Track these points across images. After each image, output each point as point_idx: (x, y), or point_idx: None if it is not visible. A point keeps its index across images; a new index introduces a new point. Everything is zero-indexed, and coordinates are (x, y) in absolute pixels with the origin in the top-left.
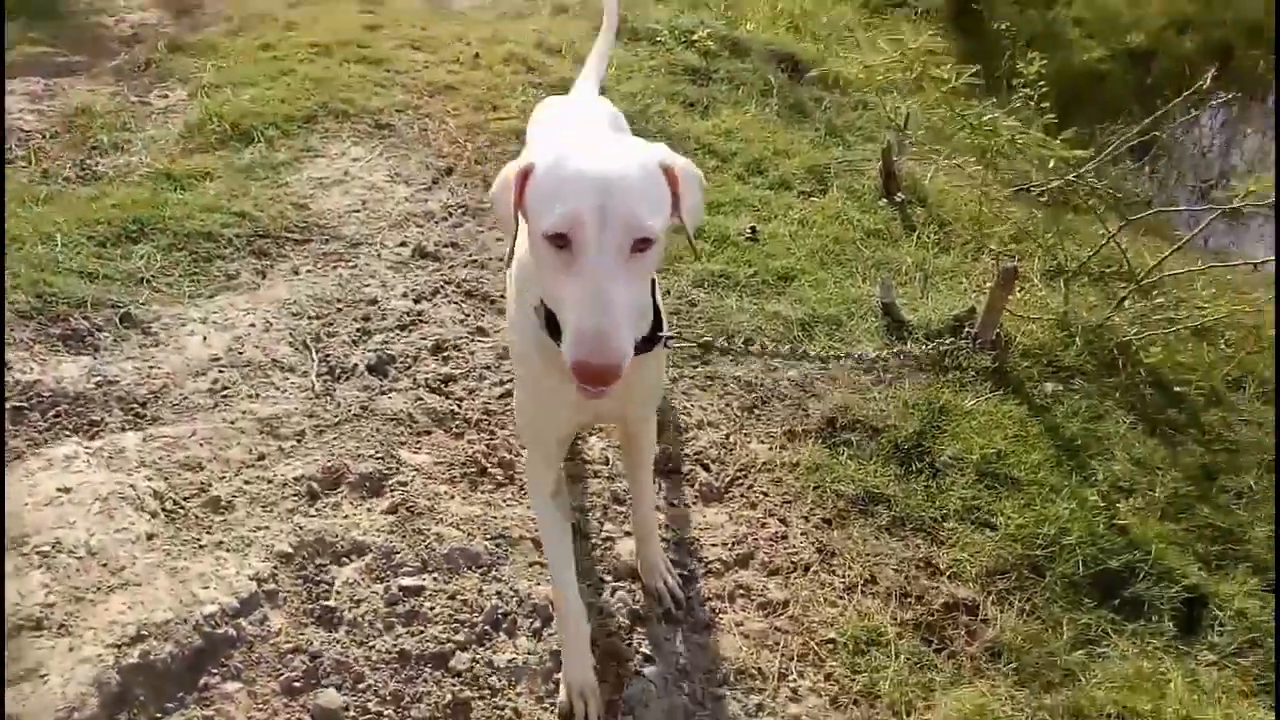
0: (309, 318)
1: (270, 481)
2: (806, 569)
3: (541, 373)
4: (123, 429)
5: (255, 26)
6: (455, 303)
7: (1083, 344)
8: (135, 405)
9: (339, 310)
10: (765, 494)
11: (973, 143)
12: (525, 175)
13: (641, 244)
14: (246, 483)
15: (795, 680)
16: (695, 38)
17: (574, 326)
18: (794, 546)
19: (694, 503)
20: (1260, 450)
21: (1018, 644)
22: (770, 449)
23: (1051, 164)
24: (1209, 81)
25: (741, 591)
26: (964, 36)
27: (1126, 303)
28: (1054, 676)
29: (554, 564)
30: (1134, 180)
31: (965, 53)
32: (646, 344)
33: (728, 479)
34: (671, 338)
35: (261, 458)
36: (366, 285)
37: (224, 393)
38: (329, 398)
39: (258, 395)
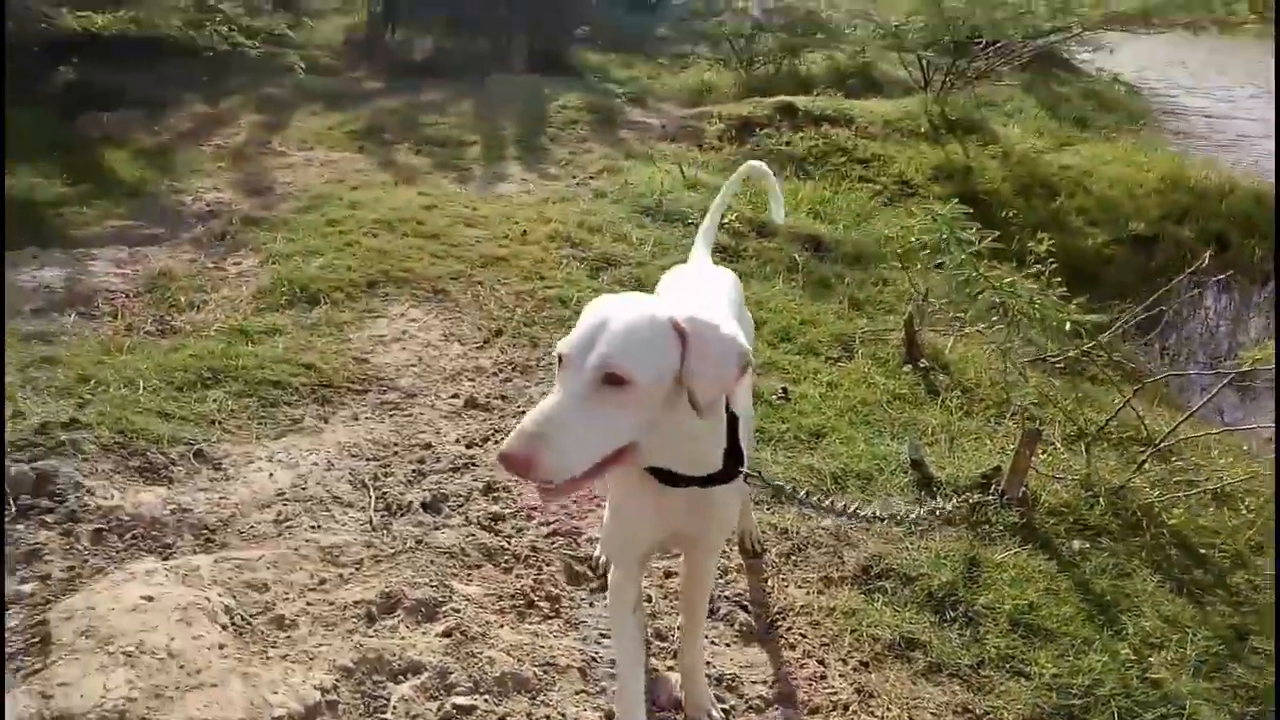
0: (367, 459)
1: (331, 604)
2: (846, 708)
3: (630, 489)
4: (194, 551)
5: (321, 206)
6: None
7: (1106, 504)
8: (206, 531)
9: (395, 453)
10: (804, 635)
11: (994, 302)
12: None
13: (612, 379)
14: (309, 604)
15: None
16: (725, 220)
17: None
18: (833, 687)
19: (734, 642)
20: None
21: None
22: (808, 594)
23: (1068, 327)
24: (1207, 261)
25: None
26: (975, 219)
27: (1146, 466)
28: None
29: (625, 677)
30: (1144, 354)
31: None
32: (725, 476)
33: (767, 621)
34: (751, 475)
35: (323, 582)
36: (421, 432)
37: (288, 523)
38: (386, 531)
39: (319, 526)
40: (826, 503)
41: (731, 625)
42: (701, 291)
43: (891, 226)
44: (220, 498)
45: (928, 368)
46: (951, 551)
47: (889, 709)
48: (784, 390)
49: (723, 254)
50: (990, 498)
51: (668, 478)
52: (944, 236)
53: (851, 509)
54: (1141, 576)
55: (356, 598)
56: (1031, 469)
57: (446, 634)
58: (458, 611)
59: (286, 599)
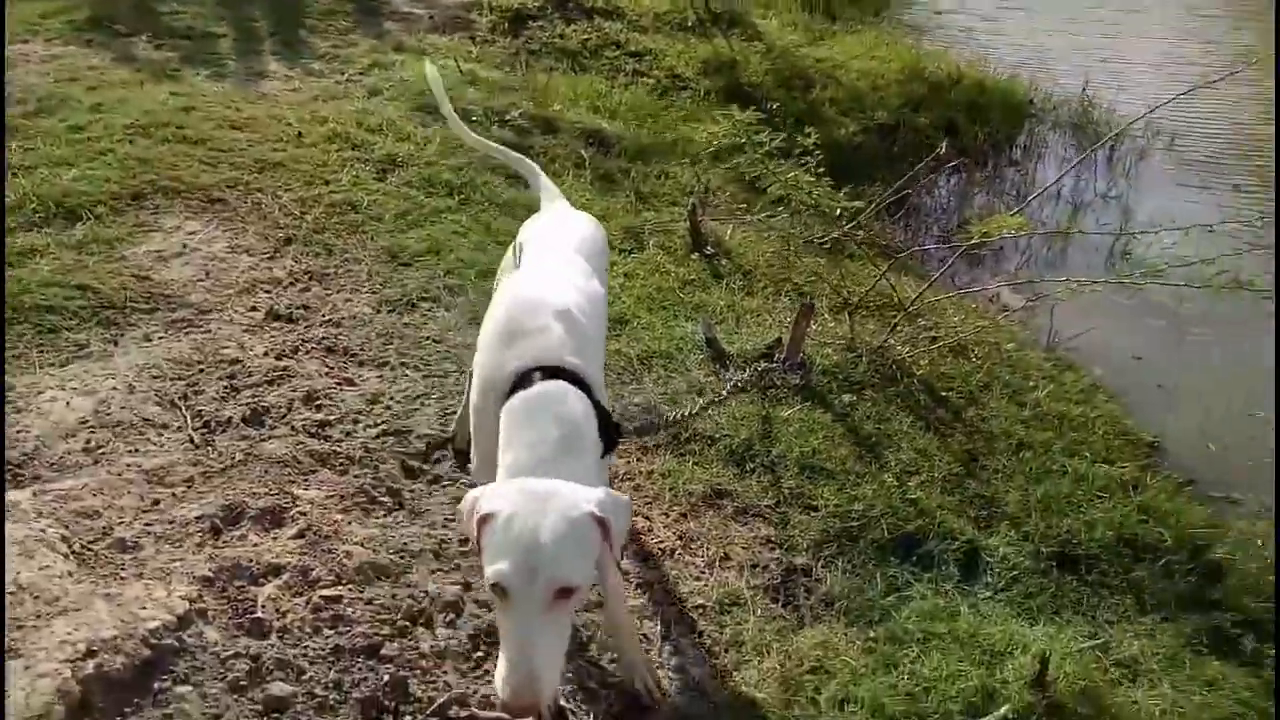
0: (171, 379)
1: (171, 522)
2: (671, 552)
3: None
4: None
5: (57, 109)
6: (318, 358)
7: (868, 363)
8: (11, 467)
9: (201, 371)
10: (630, 497)
11: (781, 195)
12: (484, 521)
13: (564, 593)
14: (148, 525)
15: (675, 639)
16: (508, 118)
17: (504, 667)
18: (659, 536)
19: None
20: (1006, 437)
21: (844, 595)
22: (629, 463)
23: (838, 213)
24: (944, 149)
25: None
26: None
27: (898, 328)
28: (874, 616)
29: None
30: (893, 232)
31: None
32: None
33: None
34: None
35: (156, 503)
36: (225, 347)
37: (101, 450)
38: (210, 448)
39: (137, 450)
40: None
41: None
42: (567, 261)
43: (668, 120)
44: (18, 431)
45: (712, 254)
46: (747, 414)
47: (707, 548)
48: None
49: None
50: (775, 365)
51: None
52: (744, 140)
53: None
54: (898, 419)
55: (196, 514)
56: (807, 338)
57: (299, 535)
58: (304, 515)
59: (123, 523)
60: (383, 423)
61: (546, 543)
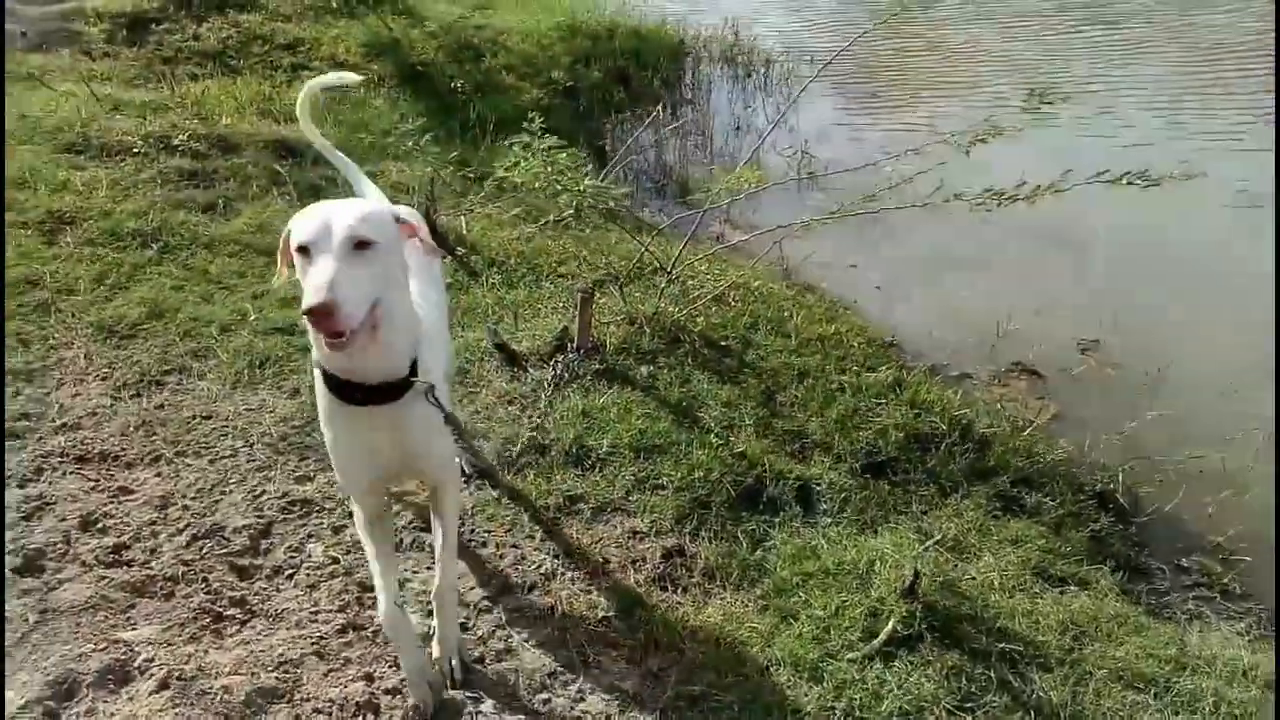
0: None
1: None
2: (554, 575)
3: (331, 424)
4: None
5: None
6: (72, 473)
7: (650, 332)
8: None
9: None
10: (489, 531)
11: (524, 181)
12: (288, 235)
13: (360, 245)
14: None
15: (595, 658)
16: (175, 142)
17: (306, 290)
18: (534, 561)
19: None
20: (787, 369)
21: (720, 564)
22: (468, 493)
23: (581, 189)
24: (660, 113)
25: (515, 614)
26: (422, 97)
27: (665, 291)
28: (752, 575)
29: (379, 580)
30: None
31: (432, 110)
32: (401, 388)
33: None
34: (430, 388)
35: None
36: None
37: None
38: None
39: None
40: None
41: (421, 549)
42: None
43: (353, 117)
44: None
45: (461, 254)
46: (566, 411)
47: (585, 558)
48: None
49: (193, 180)
50: (572, 355)
51: (349, 391)
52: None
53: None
54: (696, 378)
55: (20, 701)
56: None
57: (162, 686)
58: (151, 660)
59: None
60: (186, 527)
61: (341, 209)
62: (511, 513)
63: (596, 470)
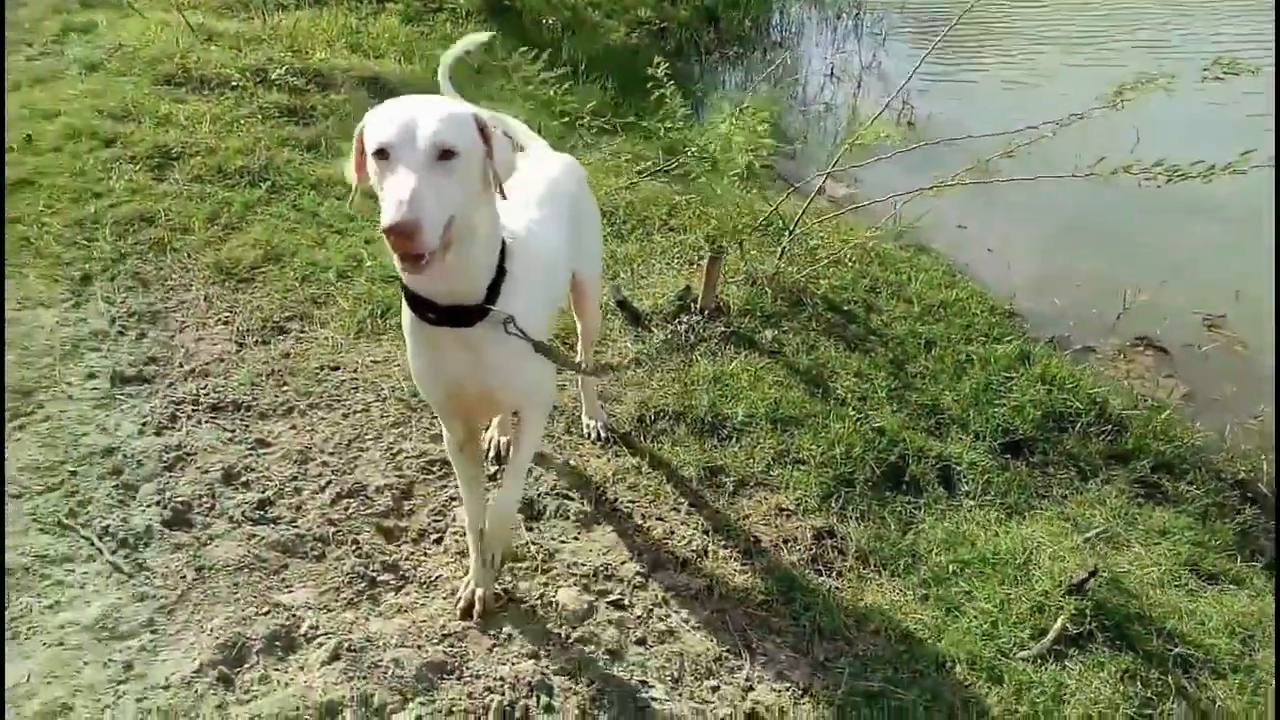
0: (37, 494)
1: (163, 686)
2: (704, 551)
3: (411, 336)
4: None
5: None
6: (207, 423)
7: (772, 293)
8: None
9: (72, 474)
10: (632, 501)
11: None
12: (361, 133)
13: (445, 154)
14: (138, 699)
15: (759, 645)
16: (273, 77)
17: (386, 203)
18: (684, 536)
19: (580, 533)
20: (914, 338)
21: (871, 546)
22: (607, 461)
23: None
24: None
25: (671, 593)
26: (510, 32)
27: (788, 251)
28: (905, 560)
29: (466, 499)
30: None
31: (520, 45)
32: (479, 312)
33: (594, 499)
34: (509, 319)
35: (128, 667)
36: (82, 436)
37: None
38: (148, 573)
39: (58, 604)
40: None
41: (567, 517)
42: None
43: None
44: None
45: None
46: (696, 377)
47: (735, 536)
48: None
49: (293, 117)
50: (696, 317)
51: (423, 308)
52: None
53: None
54: (822, 345)
55: (191, 668)
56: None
57: (334, 657)
58: (315, 628)
59: (97, 703)
60: (328, 484)
61: (424, 111)
62: (655, 482)
63: (734, 441)
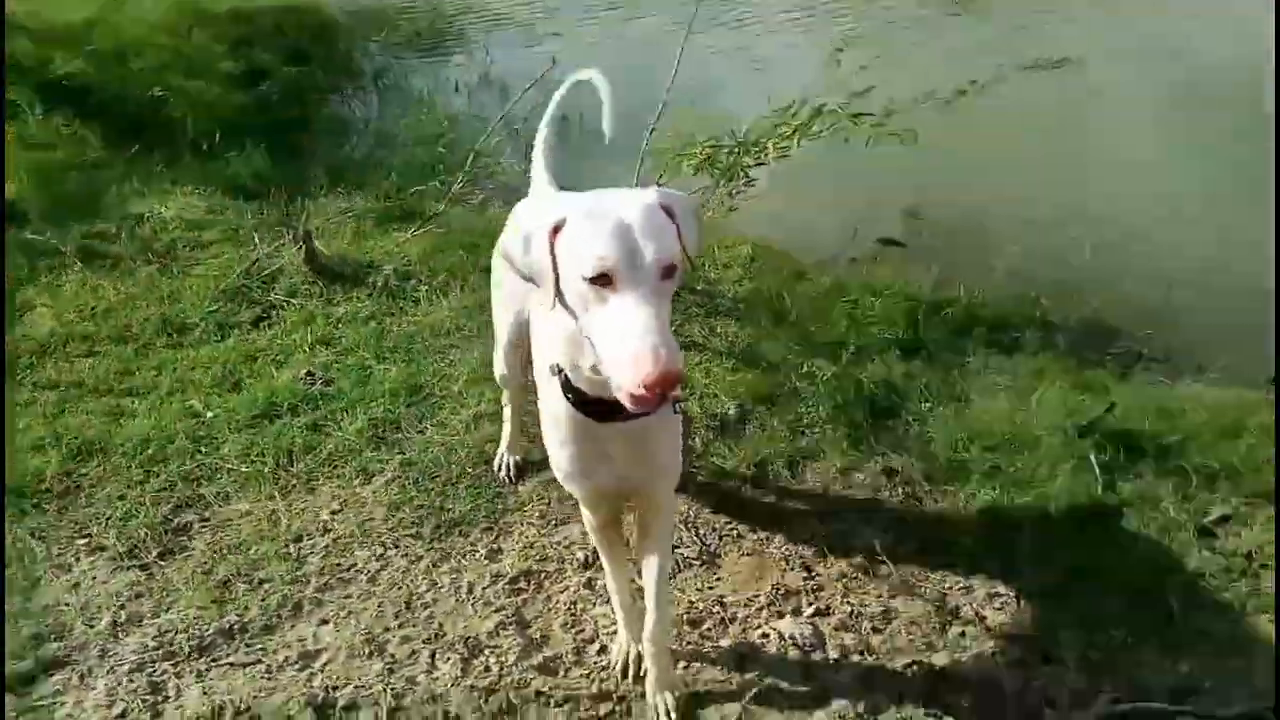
0: None
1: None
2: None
3: (570, 438)
4: None
5: None
6: None
7: None
8: None
9: None
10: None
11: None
12: (556, 229)
13: (668, 272)
14: None
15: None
16: None
17: (631, 345)
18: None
19: (700, 565)
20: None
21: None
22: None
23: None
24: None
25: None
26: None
27: None
28: None
29: (616, 579)
30: None
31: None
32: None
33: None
34: (677, 399)
35: None
36: None
37: None
38: None
39: None
40: None
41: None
42: None
43: None
44: None
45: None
46: None
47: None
48: None
49: None
50: None
51: (599, 408)
52: None
53: None
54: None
55: None
56: None
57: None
58: None
59: None
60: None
61: (637, 220)
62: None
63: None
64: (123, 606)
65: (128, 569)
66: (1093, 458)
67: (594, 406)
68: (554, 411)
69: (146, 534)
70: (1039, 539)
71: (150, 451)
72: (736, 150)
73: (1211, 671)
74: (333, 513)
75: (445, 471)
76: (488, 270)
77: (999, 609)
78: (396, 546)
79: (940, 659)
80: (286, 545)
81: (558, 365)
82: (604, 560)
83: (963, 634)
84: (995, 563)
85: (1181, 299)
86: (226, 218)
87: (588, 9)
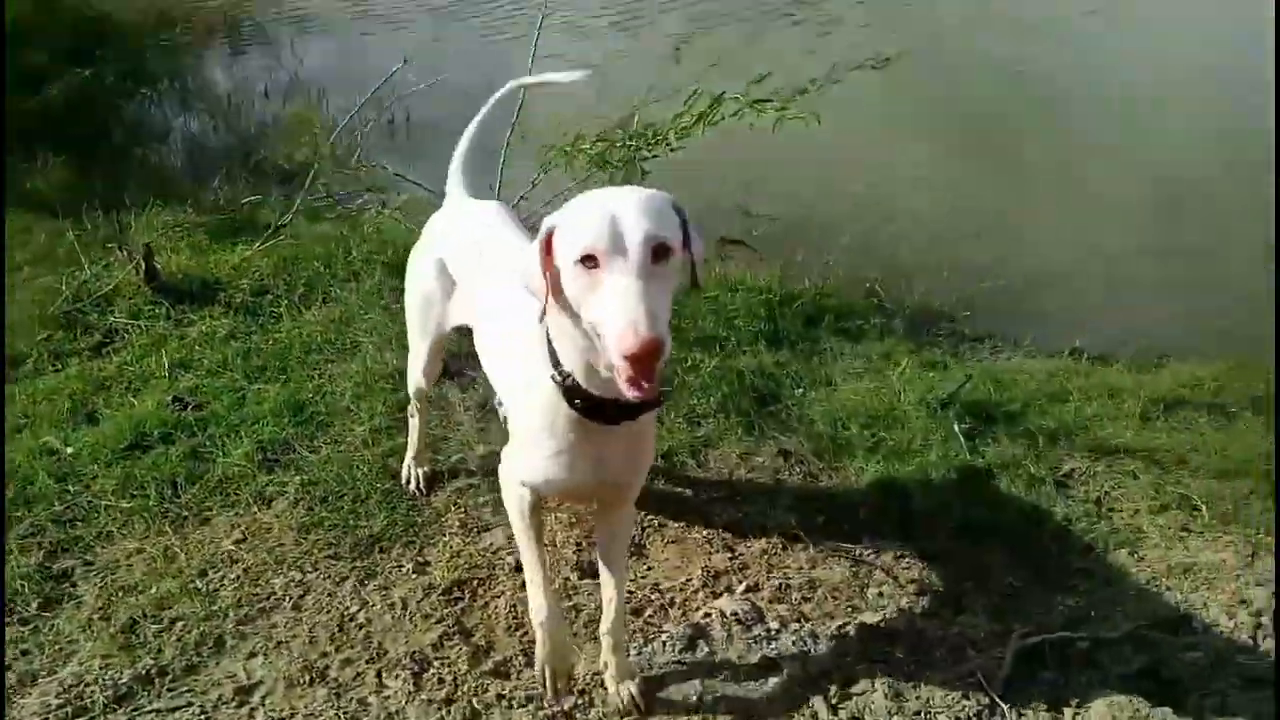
0: None
1: None
2: None
3: (563, 442)
4: None
5: None
6: None
7: None
8: None
9: None
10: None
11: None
12: (550, 236)
13: (659, 252)
14: None
15: None
16: None
17: (612, 317)
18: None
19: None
20: None
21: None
22: None
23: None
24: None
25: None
26: None
27: None
28: None
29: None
30: None
31: None
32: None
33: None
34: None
35: None
36: None
37: None
38: None
39: None
40: None
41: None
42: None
43: None
44: None
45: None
46: None
47: None
48: None
49: None
50: None
51: (607, 411)
52: None
53: None
54: None
55: None
56: None
57: None
58: None
59: None
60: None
61: (630, 204)
62: None
63: None
64: (9, 667)
65: (6, 625)
66: (956, 428)
67: (604, 409)
68: (544, 422)
69: (23, 585)
70: (927, 502)
71: (9, 495)
72: (633, 142)
73: (1092, 603)
74: (236, 542)
75: (351, 489)
76: (350, 279)
77: (906, 568)
78: (316, 569)
79: (867, 618)
80: (192, 580)
81: (563, 373)
82: (530, 552)
83: (880, 593)
84: (893, 527)
85: (993, 288)
86: (35, 237)
87: (396, 8)
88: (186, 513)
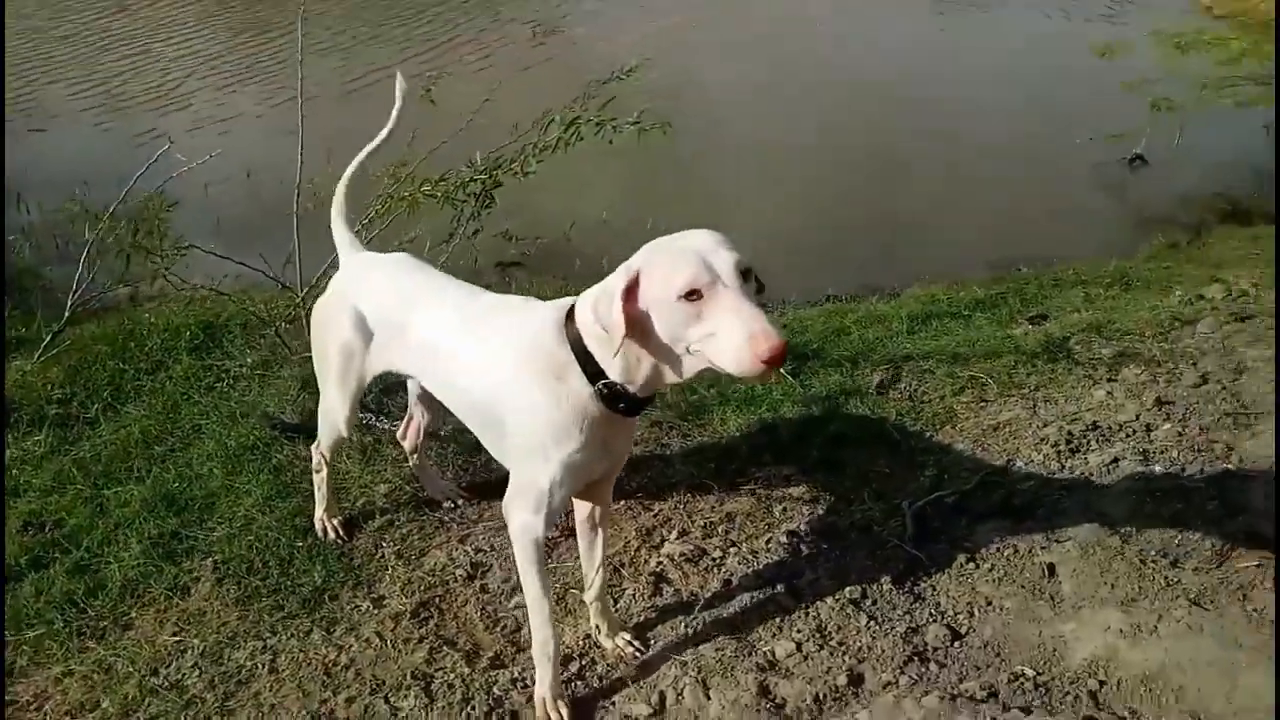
0: None
1: None
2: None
3: (581, 438)
4: None
5: None
6: None
7: None
8: None
9: None
10: None
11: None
12: (631, 286)
13: (746, 274)
14: None
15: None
16: None
17: (734, 332)
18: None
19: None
20: None
21: None
22: None
23: None
24: None
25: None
26: None
27: None
28: None
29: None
30: None
31: None
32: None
33: None
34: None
35: None
36: None
37: None
38: None
39: None
40: None
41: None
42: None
43: None
44: None
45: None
46: None
47: None
48: None
49: None
50: None
51: (625, 402)
52: None
53: None
54: None
55: None
56: None
57: None
58: None
59: None
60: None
61: (711, 242)
62: None
63: None
64: None
65: None
66: (784, 369)
67: (639, 405)
68: (567, 421)
69: None
70: (789, 432)
71: None
72: (485, 175)
73: (943, 467)
74: (174, 634)
75: (273, 554)
76: (154, 370)
77: (796, 484)
78: (275, 633)
79: (786, 528)
80: (147, 680)
81: (608, 383)
82: (539, 586)
83: (785, 509)
84: (772, 457)
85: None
86: None
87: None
88: (104, 623)
